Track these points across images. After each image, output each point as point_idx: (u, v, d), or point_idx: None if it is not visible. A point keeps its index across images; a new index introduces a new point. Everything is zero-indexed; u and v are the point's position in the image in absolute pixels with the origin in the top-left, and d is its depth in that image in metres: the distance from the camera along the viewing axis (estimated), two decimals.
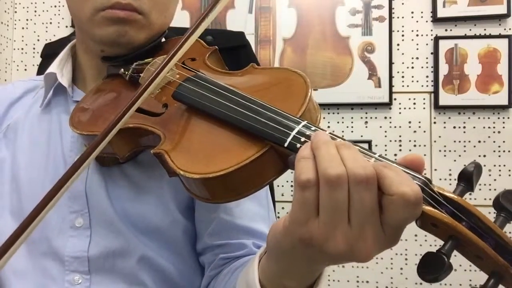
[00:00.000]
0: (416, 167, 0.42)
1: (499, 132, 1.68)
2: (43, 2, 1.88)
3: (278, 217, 1.71)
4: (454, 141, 1.69)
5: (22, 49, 1.89)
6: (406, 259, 1.67)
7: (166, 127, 0.55)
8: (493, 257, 0.39)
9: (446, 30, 1.71)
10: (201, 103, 0.53)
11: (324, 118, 1.73)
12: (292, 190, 1.72)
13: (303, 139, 0.44)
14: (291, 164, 0.46)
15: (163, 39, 0.74)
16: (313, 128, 0.45)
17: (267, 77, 0.58)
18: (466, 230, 0.39)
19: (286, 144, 0.44)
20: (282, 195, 1.71)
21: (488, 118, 1.68)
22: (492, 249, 0.39)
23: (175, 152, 0.51)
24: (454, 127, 1.70)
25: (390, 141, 1.71)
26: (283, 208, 1.71)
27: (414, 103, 1.71)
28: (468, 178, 0.42)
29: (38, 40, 1.87)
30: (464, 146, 1.69)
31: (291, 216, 0.42)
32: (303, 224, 0.40)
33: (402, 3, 1.73)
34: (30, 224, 0.41)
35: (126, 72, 0.67)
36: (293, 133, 0.45)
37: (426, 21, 1.72)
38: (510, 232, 0.42)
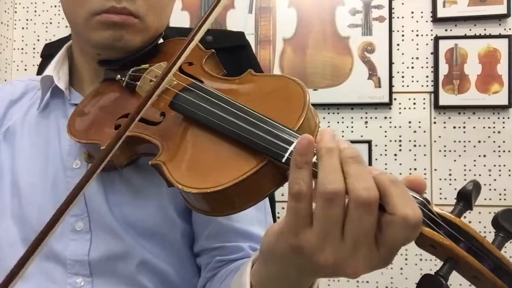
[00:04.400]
0: (416, 188, 0.41)
1: (499, 132, 1.67)
2: (43, 2, 1.88)
3: (278, 217, 1.71)
4: (454, 141, 1.69)
5: (22, 49, 1.89)
6: (406, 259, 1.67)
7: (164, 137, 0.55)
8: (491, 279, 0.39)
9: (446, 30, 1.71)
10: (198, 114, 0.53)
11: (324, 118, 1.73)
12: None
13: None
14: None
15: (161, 40, 0.74)
16: None
17: (265, 85, 0.57)
18: (464, 253, 0.39)
19: (283, 160, 0.44)
20: (282, 195, 1.71)
21: (488, 118, 1.68)
22: (490, 271, 0.39)
23: (172, 165, 0.50)
24: (454, 127, 1.69)
25: (390, 141, 1.71)
26: (283, 208, 1.71)
27: (414, 103, 1.71)
28: (466, 198, 0.42)
29: (38, 40, 1.87)
30: (464, 146, 1.69)
31: (285, 223, 0.41)
32: (295, 233, 0.40)
33: (402, 3, 1.73)
34: (35, 249, 0.42)
35: (123, 79, 0.67)
36: (291, 147, 0.44)
37: (426, 21, 1.72)
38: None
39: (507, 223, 0.40)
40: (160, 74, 0.53)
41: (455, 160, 1.69)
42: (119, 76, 0.67)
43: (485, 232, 1.58)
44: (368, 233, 0.39)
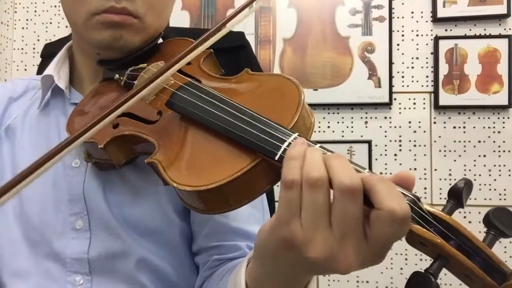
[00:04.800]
0: (405, 184, 0.42)
1: (499, 132, 1.68)
2: (43, 2, 1.88)
3: None
4: (454, 141, 1.69)
5: (22, 49, 1.89)
6: (406, 259, 1.67)
7: (160, 136, 0.56)
8: (481, 277, 0.39)
9: (446, 30, 1.71)
10: (194, 113, 0.53)
11: (324, 118, 1.73)
12: None
13: None
14: None
15: (160, 40, 0.74)
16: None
17: (261, 84, 0.57)
18: (454, 250, 0.39)
19: (276, 158, 0.45)
20: None
21: (488, 118, 1.68)
22: (480, 269, 0.39)
23: (168, 163, 0.51)
24: (454, 127, 1.70)
25: (390, 141, 1.71)
26: None
27: (414, 103, 1.71)
28: (458, 195, 0.42)
29: (38, 40, 1.87)
30: (464, 146, 1.69)
31: (276, 216, 0.42)
32: (286, 224, 0.41)
33: (402, 3, 1.73)
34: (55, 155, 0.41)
35: (121, 78, 0.67)
36: (284, 146, 0.45)
37: (426, 21, 1.72)
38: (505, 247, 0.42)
39: (498, 221, 0.40)
40: (155, 73, 0.53)
41: (455, 160, 1.69)
42: (117, 75, 0.68)
43: (485, 232, 1.57)
44: (355, 222, 0.39)
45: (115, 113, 0.47)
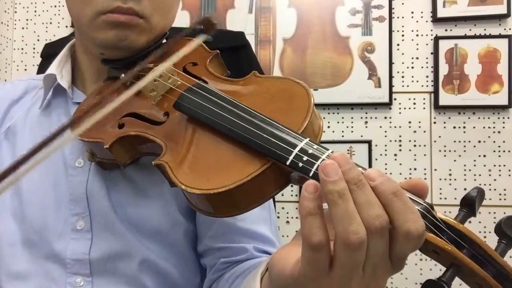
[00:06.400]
0: (419, 192, 0.41)
1: (499, 132, 1.67)
2: (43, 2, 1.88)
3: (278, 217, 1.70)
4: (454, 141, 1.69)
5: (22, 49, 1.89)
6: None
7: (168, 137, 0.55)
8: (494, 286, 0.39)
9: (446, 30, 1.71)
10: (203, 115, 0.53)
11: (324, 118, 1.73)
12: (292, 190, 1.72)
13: (305, 157, 0.43)
14: (294, 180, 0.46)
15: (165, 40, 0.74)
16: (315, 146, 0.44)
17: (269, 87, 0.57)
18: (467, 259, 0.39)
19: (288, 163, 0.44)
20: (282, 195, 1.71)
21: (488, 118, 1.68)
22: (493, 278, 0.39)
23: (176, 165, 0.50)
24: (454, 127, 1.69)
25: (390, 141, 1.71)
26: (283, 208, 1.71)
27: (414, 103, 1.71)
28: (470, 204, 0.42)
29: (38, 40, 1.87)
30: (464, 146, 1.69)
31: (301, 271, 0.40)
32: (314, 279, 0.40)
33: (402, 3, 1.73)
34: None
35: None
36: (296, 151, 0.44)
37: (426, 21, 1.72)
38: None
39: (510, 230, 0.40)
40: (157, 69, 0.53)
41: (455, 160, 1.69)
42: (123, 75, 0.67)
43: (485, 232, 1.58)
44: (384, 253, 0.39)
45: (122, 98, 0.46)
